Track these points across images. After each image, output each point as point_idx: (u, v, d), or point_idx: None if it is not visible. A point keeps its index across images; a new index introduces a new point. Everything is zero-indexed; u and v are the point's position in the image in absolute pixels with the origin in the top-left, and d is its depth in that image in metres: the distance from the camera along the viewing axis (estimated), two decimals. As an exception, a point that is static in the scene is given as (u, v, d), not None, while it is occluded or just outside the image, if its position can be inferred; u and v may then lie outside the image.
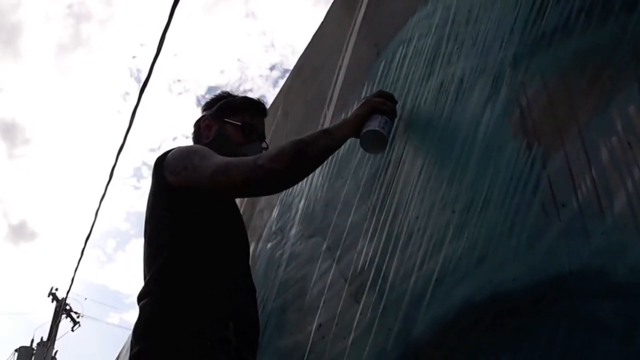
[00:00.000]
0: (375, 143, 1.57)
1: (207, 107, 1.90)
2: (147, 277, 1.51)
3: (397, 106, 1.77)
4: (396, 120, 1.72)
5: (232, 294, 1.52)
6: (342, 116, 2.23)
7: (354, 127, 1.59)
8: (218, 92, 1.96)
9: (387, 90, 1.79)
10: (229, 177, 1.45)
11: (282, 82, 3.35)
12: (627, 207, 0.98)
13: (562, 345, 1.00)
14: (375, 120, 1.56)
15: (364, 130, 1.55)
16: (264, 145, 1.85)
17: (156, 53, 3.48)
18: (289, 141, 1.51)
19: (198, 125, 1.86)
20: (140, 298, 1.50)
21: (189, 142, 1.85)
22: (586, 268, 1.01)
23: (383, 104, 1.63)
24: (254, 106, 1.86)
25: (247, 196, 1.45)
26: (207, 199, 1.54)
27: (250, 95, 1.90)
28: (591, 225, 1.03)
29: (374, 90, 2.02)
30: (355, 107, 1.68)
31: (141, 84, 3.83)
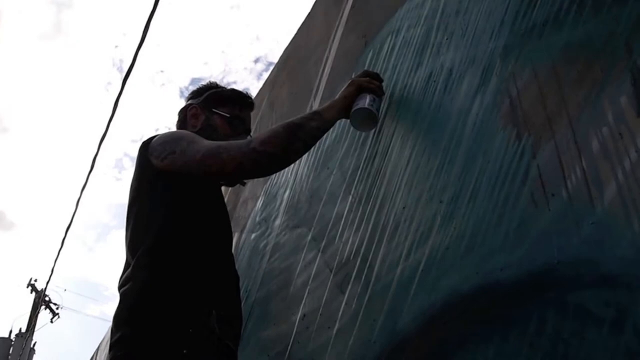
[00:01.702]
0: (366, 121, 1.60)
1: (194, 96, 1.87)
2: (130, 262, 1.49)
3: (385, 97, 1.77)
4: (384, 98, 1.74)
5: (216, 282, 1.50)
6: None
7: (343, 108, 1.62)
8: (205, 82, 1.94)
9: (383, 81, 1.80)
10: (220, 160, 1.44)
11: (266, 75, 3.33)
12: (617, 197, 0.98)
13: (551, 335, 1.00)
14: (364, 99, 1.59)
15: (354, 109, 1.58)
16: (249, 138, 1.84)
17: (140, 42, 3.44)
18: (281, 124, 1.52)
19: (185, 113, 1.83)
20: (122, 284, 1.48)
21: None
22: (576, 258, 1.01)
23: (370, 82, 1.65)
24: (243, 99, 1.85)
25: (239, 179, 1.44)
26: (193, 184, 1.52)
27: (234, 87, 1.89)
28: (581, 216, 1.03)
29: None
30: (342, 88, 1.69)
31: (124, 74, 3.77)
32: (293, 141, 1.48)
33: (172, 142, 1.55)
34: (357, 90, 1.64)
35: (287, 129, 1.49)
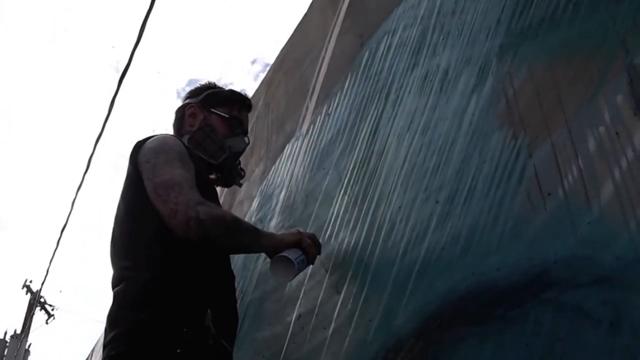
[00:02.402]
0: (284, 270, 1.55)
1: (192, 95, 1.86)
2: (123, 263, 1.48)
3: (381, 96, 1.77)
4: (309, 267, 1.68)
5: (211, 281, 1.49)
6: (325, 108, 2.21)
7: (276, 247, 1.57)
8: (202, 82, 1.94)
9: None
10: (166, 197, 1.42)
11: (262, 76, 3.32)
12: (613, 196, 0.97)
13: (548, 334, 1.00)
14: (296, 253, 1.55)
15: (281, 254, 1.54)
16: (246, 140, 1.84)
17: (136, 41, 3.43)
18: (230, 213, 1.58)
19: (182, 112, 1.82)
20: (115, 284, 1.47)
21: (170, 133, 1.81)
22: (572, 257, 1.01)
23: (310, 247, 1.60)
24: (241, 100, 1.85)
25: (168, 222, 1.39)
26: None
27: (231, 88, 1.89)
28: (577, 215, 1.02)
29: (357, 80, 2.01)
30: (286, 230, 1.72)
31: (120, 73, 3.75)
32: (232, 235, 1.48)
33: (155, 150, 1.54)
34: (297, 242, 1.59)
35: (234, 220, 1.51)
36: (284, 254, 1.54)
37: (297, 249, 1.58)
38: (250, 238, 1.54)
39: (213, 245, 1.51)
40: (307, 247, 1.59)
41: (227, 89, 1.88)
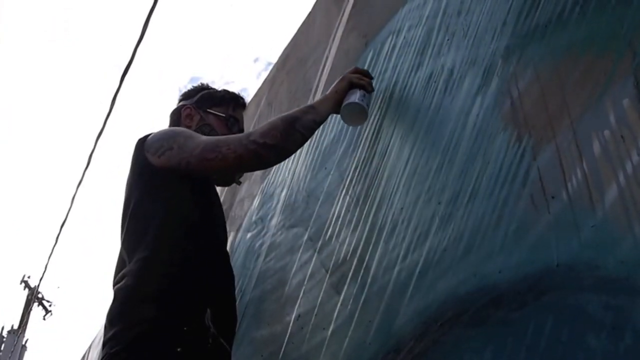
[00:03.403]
0: (356, 115, 1.61)
1: (187, 96, 1.88)
2: (125, 259, 1.48)
3: (385, 96, 1.76)
4: (373, 94, 1.75)
5: (211, 280, 1.49)
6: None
7: (335, 102, 1.63)
8: (204, 80, 1.95)
9: (373, 78, 1.80)
10: (220, 153, 1.44)
11: (265, 75, 3.31)
12: (618, 200, 0.96)
13: (549, 338, 0.99)
14: (355, 94, 1.61)
15: (345, 103, 1.59)
16: (248, 132, 1.84)
17: (139, 38, 3.42)
18: (278, 117, 1.54)
19: (178, 114, 1.83)
20: (117, 281, 1.46)
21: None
22: (575, 261, 1.00)
23: (360, 79, 1.67)
24: (236, 99, 1.88)
25: (240, 172, 1.47)
26: (188, 182, 1.51)
27: (232, 87, 1.91)
28: (581, 218, 1.01)
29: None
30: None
31: (126, 74, 3.74)
32: (291, 132, 1.51)
33: (168, 138, 1.54)
34: (348, 85, 1.66)
35: (284, 121, 1.52)
36: (346, 102, 1.60)
37: (353, 89, 1.64)
38: (309, 118, 1.58)
39: (290, 152, 1.58)
40: (358, 80, 1.67)
41: (220, 89, 1.91)
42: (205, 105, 1.82)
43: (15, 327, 17.24)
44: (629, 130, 0.99)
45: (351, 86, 1.66)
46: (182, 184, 1.50)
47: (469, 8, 1.55)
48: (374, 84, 1.78)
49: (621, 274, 0.92)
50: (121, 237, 1.57)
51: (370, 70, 1.97)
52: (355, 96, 1.60)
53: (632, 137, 0.98)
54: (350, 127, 1.93)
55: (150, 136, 1.60)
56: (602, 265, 0.95)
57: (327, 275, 1.74)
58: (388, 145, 1.69)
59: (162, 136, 1.57)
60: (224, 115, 1.81)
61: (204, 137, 1.52)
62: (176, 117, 1.83)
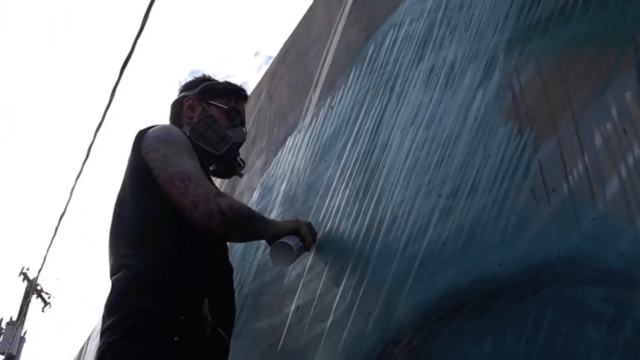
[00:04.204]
0: (284, 255, 1.59)
1: (187, 88, 1.87)
2: (123, 251, 1.48)
3: (386, 89, 1.76)
4: (305, 253, 1.73)
5: (209, 271, 1.49)
6: (328, 100, 2.20)
7: (276, 233, 1.60)
8: (199, 74, 1.94)
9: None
10: (185, 187, 1.43)
11: (265, 68, 3.31)
12: (619, 193, 0.97)
13: (549, 331, 0.99)
14: (294, 240, 1.61)
15: (281, 240, 1.58)
16: (244, 130, 1.86)
17: (139, 30, 3.41)
18: (244, 203, 1.64)
19: (180, 104, 1.82)
20: (113, 272, 1.46)
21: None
22: (575, 253, 1.00)
23: (307, 234, 1.66)
24: (238, 92, 1.88)
25: (184, 216, 1.40)
26: None
27: (233, 80, 1.91)
28: (582, 211, 1.02)
29: (362, 73, 2.00)
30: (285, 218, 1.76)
31: (126, 69, 3.72)
32: (247, 225, 1.53)
33: (161, 141, 1.54)
34: (296, 229, 1.64)
35: (250, 213, 1.55)
36: (284, 240, 1.58)
37: (295, 235, 1.63)
38: (260, 227, 1.58)
39: (229, 236, 1.57)
40: (305, 235, 1.65)
41: (222, 81, 1.89)
42: (207, 97, 1.81)
43: (14, 318, 17.24)
44: (631, 123, 0.99)
45: (297, 232, 1.64)
46: None
47: (471, 1, 1.55)
48: (375, 78, 1.78)
49: (621, 266, 0.92)
50: (114, 226, 1.56)
51: (371, 64, 1.97)
52: (294, 242, 1.60)
53: (634, 131, 0.98)
54: (352, 121, 1.93)
55: (151, 130, 1.60)
56: (603, 257, 0.95)
57: (327, 268, 1.74)
58: (389, 138, 1.69)
59: (159, 135, 1.56)
60: (226, 107, 1.80)
61: (190, 163, 1.50)
62: (178, 107, 1.82)
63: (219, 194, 1.47)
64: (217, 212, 1.41)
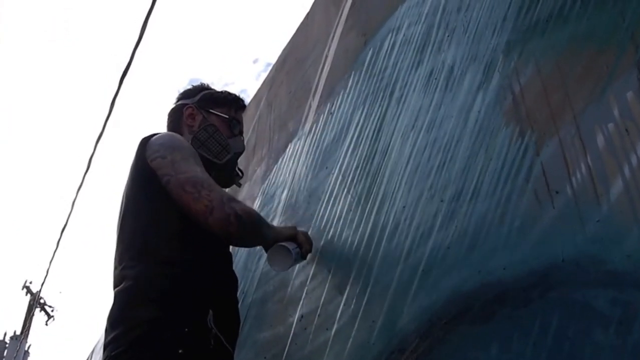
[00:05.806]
0: (282, 259, 1.59)
1: (186, 96, 1.85)
2: (124, 262, 1.47)
3: (385, 94, 1.76)
4: (301, 261, 1.75)
5: (213, 281, 1.48)
6: (328, 106, 2.20)
7: (275, 238, 1.60)
8: (202, 81, 1.94)
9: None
10: (198, 193, 1.42)
11: (264, 75, 3.30)
12: (623, 194, 0.95)
13: (556, 334, 0.98)
14: (292, 245, 1.62)
15: (280, 243, 1.59)
16: (243, 140, 1.86)
17: (138, 40, 3.41)
18: (255, 210, 1.64)
19: (179, 112, 1.81)
20: (117, 283, 1.45)
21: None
22: (580, 256, 0.99)
23: (304, 242, 1.66)
24: (237, 101, 1.88)
25: (199, 222, 1.38)
26: None
27: (231, 88, 1.91)
28: (586, 213, 1.01)
29: (361, 78, 2.00)
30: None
31: (125, 77, 3.72)
32: (258, 229, 1.52)
33: (168, 147, 1.53)
34: (294, 236, 1.65)
35: (260, 218, 1.55)
36: (282, 243, 1.58)
37: (292, 242, 1.63)
38: (267, 232, 1.58)
39: (243, 239, 1.56)
40: (302, 242, 1.65)
41: (220, 90, 1.89)
42: (207, 106, 1.80)
43: (18, 332, 17.22)
44: (633, 123, 0.98)
45: (295, 239, 1.65)
46: None
47: (469, 4, 1.54)
48: (374, 83, 1.77)
49: (628, 268, 0.91)
50: (118, 236, 1.55)
51: (370, 69, 1.97)
52: (292, 246, 1.60)
53: (636, 130, 0.97)
54: (352, 126, 1.93)
55: (155, 137, 1.59)
56: (608, 259, 0.94)
57: (330, 275, 1.73)
58: (389, 144, 1.68)
59: (164, 142, 1.55)
60: (227, 116, 1.79)
61: (199, 169, 1.49)
62: (177, 116, 1.81)
63: (232, 198, 1.46)
64: (234, 216, 1.41)
